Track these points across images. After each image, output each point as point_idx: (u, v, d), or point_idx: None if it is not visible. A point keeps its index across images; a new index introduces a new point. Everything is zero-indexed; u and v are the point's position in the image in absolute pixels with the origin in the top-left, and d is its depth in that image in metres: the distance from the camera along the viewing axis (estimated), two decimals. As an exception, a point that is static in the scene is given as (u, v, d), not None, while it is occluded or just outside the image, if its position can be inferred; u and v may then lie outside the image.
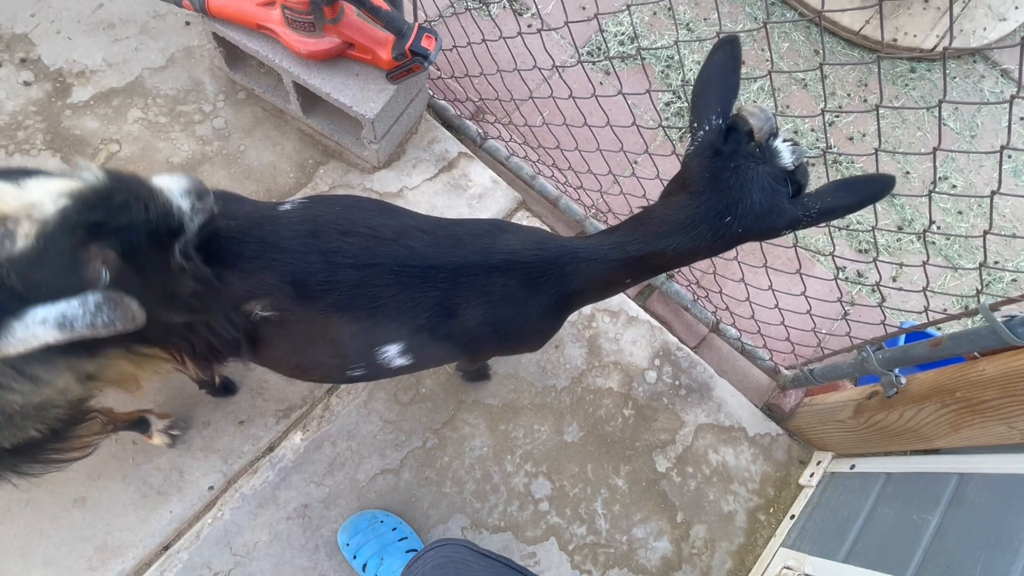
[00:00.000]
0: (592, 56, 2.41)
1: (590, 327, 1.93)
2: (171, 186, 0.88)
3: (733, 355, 1.98)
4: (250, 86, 2.00)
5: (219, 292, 0.99)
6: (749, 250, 2.00)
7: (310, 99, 1.90)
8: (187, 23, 2.12)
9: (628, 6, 2.42)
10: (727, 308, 1.90)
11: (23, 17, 2.06)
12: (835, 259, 1.55)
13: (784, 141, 0.94)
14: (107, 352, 0.98)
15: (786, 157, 0.93)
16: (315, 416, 1.76)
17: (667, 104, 2.39)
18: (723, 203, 0.93)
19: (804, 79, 2.51)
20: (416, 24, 1.60)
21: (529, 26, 2.35)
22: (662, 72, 2.44)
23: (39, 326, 0.73)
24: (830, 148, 2.43)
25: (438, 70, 2.22)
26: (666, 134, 2.31)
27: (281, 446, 1.73)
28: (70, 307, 0.74)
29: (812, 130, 2.44)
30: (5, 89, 1.97)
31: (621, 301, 1.97)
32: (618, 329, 1.93)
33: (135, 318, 0.78)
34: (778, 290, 1.67)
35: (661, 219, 0.99)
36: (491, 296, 1.07)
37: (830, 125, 2.47)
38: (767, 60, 2.51)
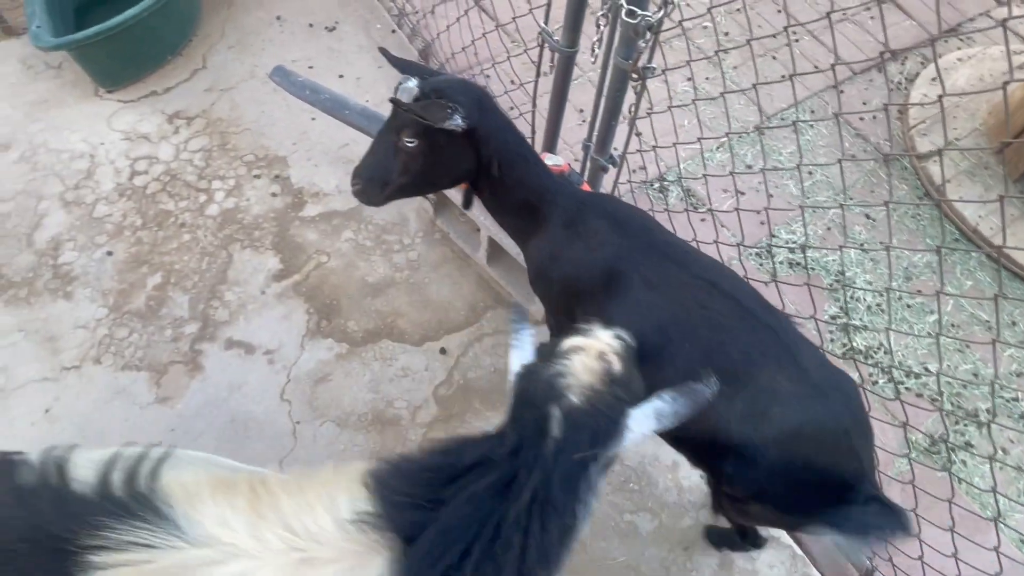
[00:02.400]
0: (760, 258, 2.48)
1: (725, 536, 1.79)
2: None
3: (886, 615, 1.73)
4: (447, 230, 2.26)
5: None
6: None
7: (496, 252, 2.10)
8: (408, 169, 2.49)
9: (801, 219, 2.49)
10: (890, 559, 1.69)
11: (287, 144, 2.53)
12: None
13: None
14: None
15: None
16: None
17: (832, 318, 2.35)
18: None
19: (988, 321, 2.37)
20: (614, 211, 1.76)
21: (703, 220, 2.49)
22: (830, 285, 2.43)
23: (643, 418, 0.99)
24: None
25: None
26: (852, 355, 2.25)
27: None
28: (655, 403, 1.01)
29: (997, 381, 2.26)
30: (257, 196, 2.38)
31: (762, 516, 1.83)
32: (756, 547, 1.78)
33: (704, 397, 1.02)
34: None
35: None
36: None
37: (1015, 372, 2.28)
38: (945, 295, 2.43)
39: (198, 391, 1.99)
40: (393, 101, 1.30)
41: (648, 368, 1.26)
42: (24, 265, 2.20)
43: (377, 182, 1.43)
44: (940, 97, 1.21)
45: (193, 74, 2.70)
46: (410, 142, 1.34)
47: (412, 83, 1.30)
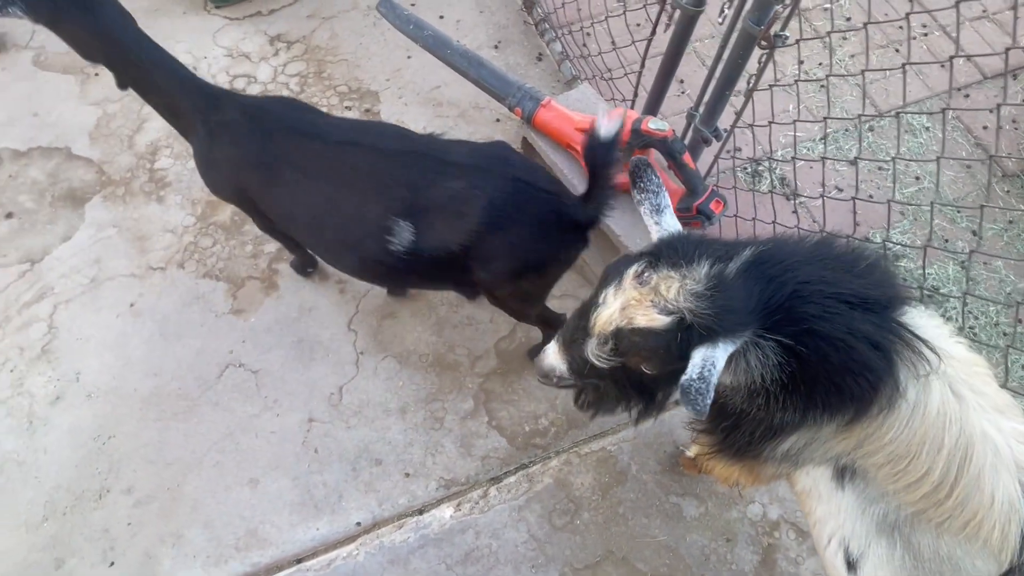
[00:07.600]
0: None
1: (771, 536, 1.75)
2: None
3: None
4: (528, 185, 2.23)
5: None
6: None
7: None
8: (497, 120, 2.45)
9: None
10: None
11: (380, 79, 2.53)
12: None
13: None
14: None
15: None
16: (472, 499, 1.77)
17: (918, 333, 2.22)
18: None
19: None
20: (711, 187, 1.69)
21: (794, 212, 2.37)
22: (919, 298, 2.28)
23: None
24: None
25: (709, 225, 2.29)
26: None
27: (431, 513, 1.75)
28: None
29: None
30: (346, 127, 2.40)
31: (813, 522, 1.77)
32: (802, 552, 1.73)
33: None
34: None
35: None
36: None
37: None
38: (1050, 327, 2.25)
39: (271, 308, 2.05)
40: None
41: (339, 238, 1.45)
42: (124, 165, 2.29)
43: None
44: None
45: (298, -1, 2.71)
46: None
47: None
